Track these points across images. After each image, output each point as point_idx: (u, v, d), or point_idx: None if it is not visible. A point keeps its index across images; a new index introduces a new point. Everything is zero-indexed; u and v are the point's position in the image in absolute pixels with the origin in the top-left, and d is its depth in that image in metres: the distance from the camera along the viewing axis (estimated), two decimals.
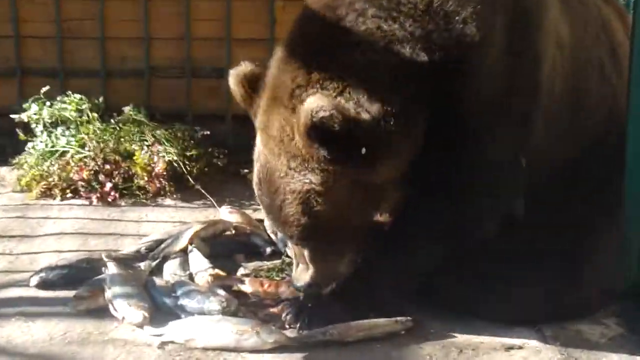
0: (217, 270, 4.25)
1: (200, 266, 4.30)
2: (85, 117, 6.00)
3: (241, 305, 3.91)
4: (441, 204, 3.66)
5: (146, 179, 5.60)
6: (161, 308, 3.94)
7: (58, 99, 6.12)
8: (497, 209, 3.73)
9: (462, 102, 3.47)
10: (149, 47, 6.58)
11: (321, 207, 3.45)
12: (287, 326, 3.78)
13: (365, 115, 3.30)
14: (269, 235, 4.83)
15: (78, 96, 6.12)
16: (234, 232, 4.87)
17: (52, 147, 5.82)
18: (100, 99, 6.24)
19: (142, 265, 4.36)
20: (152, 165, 5.61)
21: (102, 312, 3.90)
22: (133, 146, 5.78)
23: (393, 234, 3.79)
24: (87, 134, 5.86)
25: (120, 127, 5.98)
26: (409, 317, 3.81)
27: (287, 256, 4.54)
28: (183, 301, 3.91)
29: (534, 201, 3.80)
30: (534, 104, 3.68)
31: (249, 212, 5.26)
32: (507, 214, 3.76)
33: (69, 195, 5.57)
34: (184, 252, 4.48)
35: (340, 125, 3.22)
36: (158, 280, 4.23)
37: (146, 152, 5.65)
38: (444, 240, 3.71)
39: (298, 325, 3.75)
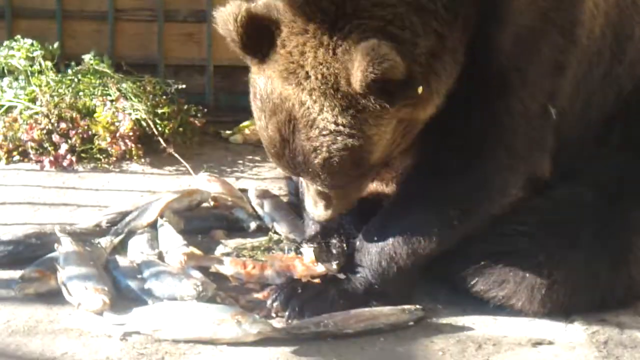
0: (191, 249, 4.23)
1: (172, 243, 4.29)
2: (37, 67, 5.98)
3: (219, 290, 3.90)
4: (460, 163, 3.79)
5: (109, 140, 5.58)
6: (124, 292, 3.93)
7: (5, 44, 6.10)
8: (521, 168, 3.87)
9: (494, 37, 3.69)
10: None
11: (369, 156, 3.60)
12: (273, 315, 3.78)
13: (422, 53, 3.48)
14: (253, 208, 4.82)
15: (29, 41, 6.10)
16: (212, 203, 4.87)
17: None
18: (55, 45, 6.21)
19: (103, 241, 4.33)
20: (116, 124, 5.59)
21: (53, 297, 3.88)
22: (94, 101, 5.76)
23: (402, 202, 3.89)
24: (39, 86, 5.83)
25: (78, 78, 5.96)
26: (417, 306, 3.82)
27: (275, 232, 4.58)
28: (151, 284, 3.89)
29: (564, 164, 3.98)
30: (572, 45, 3.87)
31: (230, 180, 5.26)
32: (532, 176, 3.89)
33: (16, 158, 5.57)
34: (153, 226, 4.48)
35: (402, 72, 3.36)
36: (121, 260, 4.22)
37: (109, 109, 5.63)
38: (462, 206, 3.82)
39: (287, 313, 3.75)
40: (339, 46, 3.42)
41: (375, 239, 3.84)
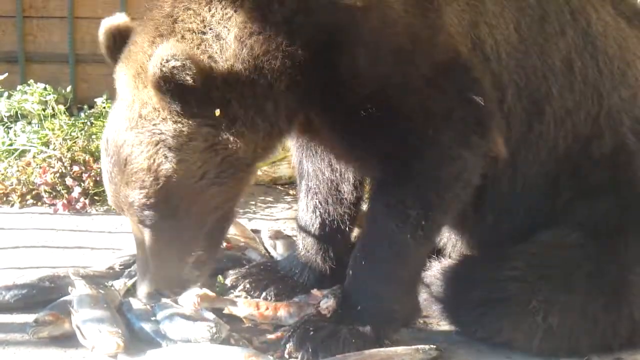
0: (205, 290, 4.16)
1: None
2: (49, 111, 6.05)
3: (233, 332, 3.89)
4: (400, 172, 3.74)
5: None
6: (138, 335, 3.92)
7: (18, 88, 6.13)
8: (464, 153, 3.76)
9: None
10: None
11: (171, 166, 3.57)
12: (287, 356, 3.76)
13: (218, 69, 3.52)
14: (266, 249, 4.81)
15: (42, 85, 6.15)
16: (225, 245, 4.83)
17: (10, 145, 5.86)
18: (68, 89, 6.26)
19: (116, 284, 4.32)
20: None
21: (67, 340, 3.87)
22: None
23: (368, 230, 3.89)
24: (52, 129, 5.89)
25: (91, 122, 6.02)
26: (432, 345, 3.80)
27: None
28: (164, 326, 3.88)
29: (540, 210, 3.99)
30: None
31: (243, 221, 5.27)
32: (486, 154, 3.82)
33: (30, 201, 5.59)
34: None
35: (194, 77, 3.41)
36: (135, 302, 4.16)
37: None
38: (427, 211, 3.75)
39: (300, 355, 3.73)
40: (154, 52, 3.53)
41: (358, 274, 3.86)
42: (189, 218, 3.70)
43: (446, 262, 4.20)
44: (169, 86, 3.43)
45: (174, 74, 3.40)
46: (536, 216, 4.01)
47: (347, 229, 4.41)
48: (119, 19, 3.86)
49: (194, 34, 3.57)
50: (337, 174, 4.30)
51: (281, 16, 3.53)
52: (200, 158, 3.58)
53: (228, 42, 3.53)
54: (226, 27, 3.55)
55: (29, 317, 3.98)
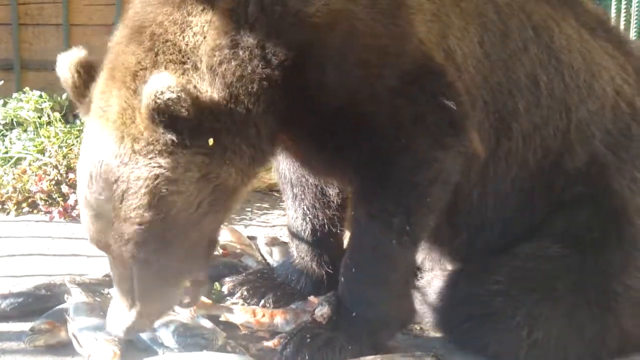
0: (201, 297, 4.20)
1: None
2: (45, 118, 6.05)
3: (230, 339, 3.89)
4: (383, 180, 3.72)
5: None
6: (135, 343, 3.90)
7: (14, 96, 6.14)
8: (440, 155, 3.74)
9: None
10: None
11: (171, 199, 3.48)
12: None
13: (204, 99, 3.45)
14: (262, 256, 4.82)
15: (37, 93, 6.15)
16: (221, 251, 4.86)
17: (6, 152, 5.86)
18: (64, 96, 6.27)
19: (112, 291, 4.21)
20: None
21: (64, 348, 3.87)
22: None
23: (354, 238, 3.87)
24: (48, 137, 5.89)
25: None
26: (429, 352, 3.82)
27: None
28: (161, 334, 3.88)
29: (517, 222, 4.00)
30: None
31: (239, 228, 5.27)
32: (462, 152, 3.78)
33: (26, 209, 5.60)
34: None
35: (188, 109, 3.34)
36: None
37: None
38: (409, 216, 3.74)
39: None
40: (140, 85, 3.44)
41: (349, 281, 3.86)
42: (183, 248, 3.61)
43: (430, 276, 4.20)
44: (163, 118, 3.34)
45: (169, 106, 3.31)
46: (514, 229, 4.01)
47: (338, 231, 4.42)
48: (79, 53, 3.69)
49: (175, 64, 3.49)
50: (320, 179, 4.29)
51: (254, 40, 3.48)
52: (196, 188, 3.51)
53: (203, 71, 3.48)
54: (198, 56, 3.49)
55: (25, 326, 3.98)
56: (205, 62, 3.47)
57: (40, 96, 6.12)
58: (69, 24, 6.59)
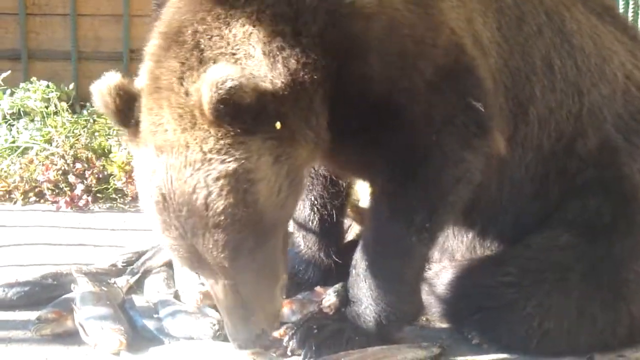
0: (207, 288, 4.20)
1: (188, 283, 4.27)
2: (52, 108, 6.05)
3: None
4: (409, 176, 3.72)
5: (125, 180, 5.62)
6: (141, 332, 3.93)
7: (21, 86, 6.15)
8: (466, 155, 3.76)
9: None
10: (128, 25, 6.58)
11: (255, 189, 3.40)
12: (290, 354, 3.77)
13: (271, 85, 3.40)
14: None
15: (44, 83, 6.16)
16: None
17: (13, 142, 5.85)
18: (71, 86, 6.27)
19: (119, 281, 4.33)
20: (132, 164, 5.52)
21: (70, 337, 3.88)
22: (109, 142, 5.82)
23: (372, 230, 3.86)
24: (55, 127, 5.90)
25: (94, 119, 6.05)
26: (436, 342, 3.82)
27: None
28: (167, 324, 3.90)
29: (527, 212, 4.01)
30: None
31: None
32: (487, 154, 3.80)
33: (33, 199, 5.60)
34: (169, 266, 4.47)
35: (250, 95, 3.28)
36: (138, 300, 4.22)
37: (124, 149, 5.64)
38: (432, 214, 3.75)
39: (303, 352, 3.74)
40: (191, 86, 3.37)
41: (362, 274, 3.84)
42: (275, 239, 3.56)
43: (438, 267, 4.20)
44: (227, 109, 3.26)
45: (232, 95, 3.22)
46: (526, 218, 4.02)
47: (342, 219, 4.44)
48: (115, 77, 3.51)
49: (226, 56, 3.42)
50: (343, 174, 4.29)
51: (316, 29, 3.46)
52: (274, 172, 3.44)
53: (259, 58, 3.41)
54: (251, 45, 3.43)
55: (32, 315, 3.99)
56: (261, 48, 3.42)
57: (48, 86, 6.13)
58: (76, 14, 6.59)
